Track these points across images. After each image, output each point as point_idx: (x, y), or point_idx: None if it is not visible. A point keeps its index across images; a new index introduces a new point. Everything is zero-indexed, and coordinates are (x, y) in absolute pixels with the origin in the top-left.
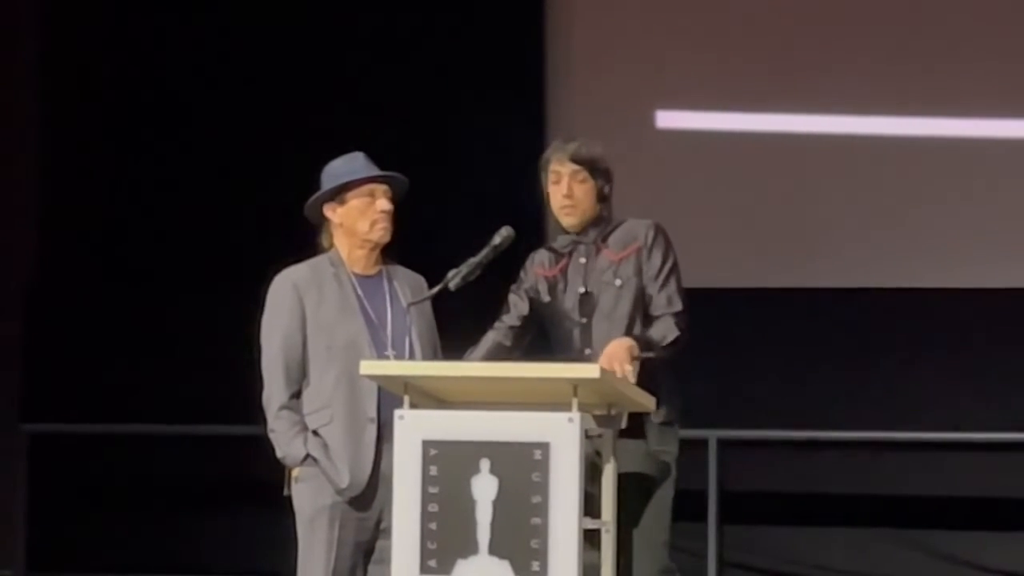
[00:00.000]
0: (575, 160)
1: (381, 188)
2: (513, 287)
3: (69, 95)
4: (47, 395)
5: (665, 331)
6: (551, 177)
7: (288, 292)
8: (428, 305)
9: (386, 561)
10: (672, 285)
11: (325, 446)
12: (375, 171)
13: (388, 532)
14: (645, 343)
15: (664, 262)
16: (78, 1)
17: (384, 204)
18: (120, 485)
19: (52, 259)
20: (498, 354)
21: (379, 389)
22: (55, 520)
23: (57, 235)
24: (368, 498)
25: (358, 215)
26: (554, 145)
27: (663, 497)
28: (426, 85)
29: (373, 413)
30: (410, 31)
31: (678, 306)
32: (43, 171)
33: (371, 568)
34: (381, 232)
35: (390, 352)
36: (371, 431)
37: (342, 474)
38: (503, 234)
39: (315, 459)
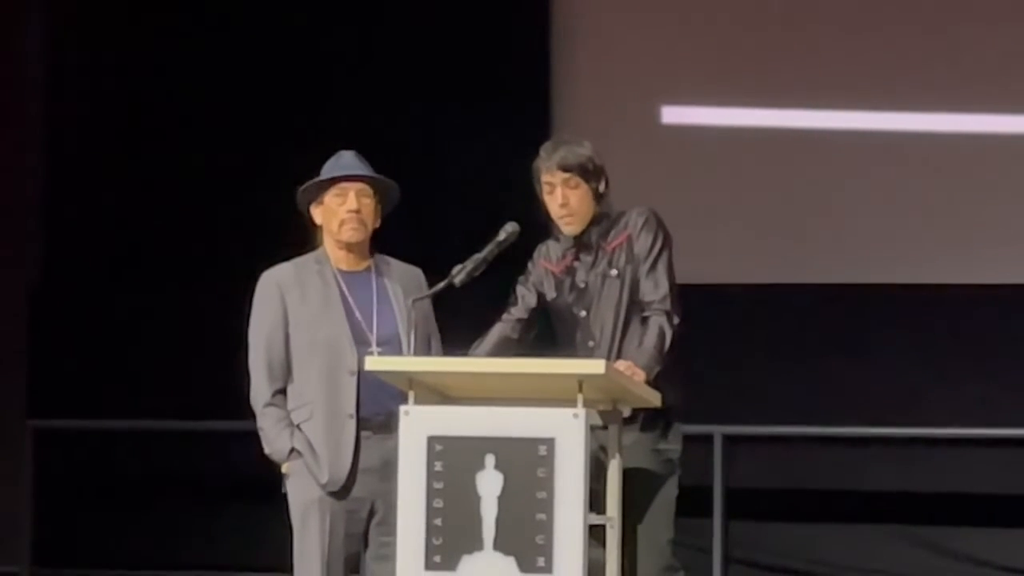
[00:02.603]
0: (564, 168)
1: (355, 187)
2: (520, 279)
3: (73, 96)
4: (52, 391)
5: (660, 337)
6: (544, 188)
7: (271, 291)
8: (426, 300)
9: (390, 557)
10: (660, 268)
11: (308, 441)
12: (356, 171)
13: (390, 527)
14: (649, 362)
15: (652, 246)
16: (82, 1)
17: (352, 203)
18: (125, 481)
19: (56, 256)
20: (505, 347)
21: (359, 385)
22: (60, 516)
23: (61, 232)
24: (351, 491)
25: (331, 215)
26: (541, 154)
27: (667, 494)
28: (430, 82)
29: (352, 409)
30: (415, 27)
31: (664, 289)
32: (47, 171)
33: (375, 565)
34: (350, 232)
35: (374, 349)
36: (350, 427)
37: (323, 469)
38: (508, 230)
39: (300, 453)
